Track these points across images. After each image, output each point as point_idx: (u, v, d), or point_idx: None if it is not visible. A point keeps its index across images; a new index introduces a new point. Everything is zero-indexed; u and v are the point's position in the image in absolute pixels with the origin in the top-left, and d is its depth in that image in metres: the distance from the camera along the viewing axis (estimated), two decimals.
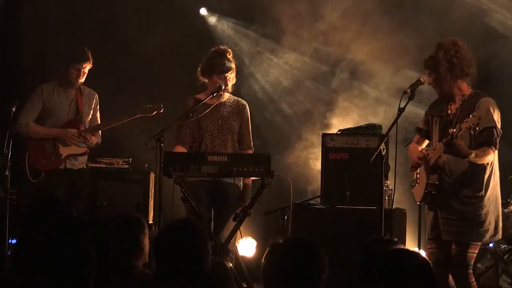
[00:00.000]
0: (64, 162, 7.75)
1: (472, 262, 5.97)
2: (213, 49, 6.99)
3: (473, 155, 5.73)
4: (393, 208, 7.03)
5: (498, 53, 8.27)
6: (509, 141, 7.10)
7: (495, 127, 5.86)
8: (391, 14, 8.61)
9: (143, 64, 9.21)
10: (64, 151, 7.74)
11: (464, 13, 8.42)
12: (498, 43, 8.35)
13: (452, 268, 5.96)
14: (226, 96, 6.90)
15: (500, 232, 6.07)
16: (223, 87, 6.69)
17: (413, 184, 6.30)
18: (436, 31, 8.09)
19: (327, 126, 8.84)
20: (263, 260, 3.57)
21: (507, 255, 7.49)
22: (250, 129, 6.92)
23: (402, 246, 4.08)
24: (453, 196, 5.96)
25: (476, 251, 5.96)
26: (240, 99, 7.02)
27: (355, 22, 8.86)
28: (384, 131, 7.07)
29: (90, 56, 7.74)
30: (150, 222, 7.97)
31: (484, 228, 5.91)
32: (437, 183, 6.00)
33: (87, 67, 7.75)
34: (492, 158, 5.90)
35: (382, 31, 8.67)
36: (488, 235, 5.95)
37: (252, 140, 6.97)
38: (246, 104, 6.96)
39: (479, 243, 5.97)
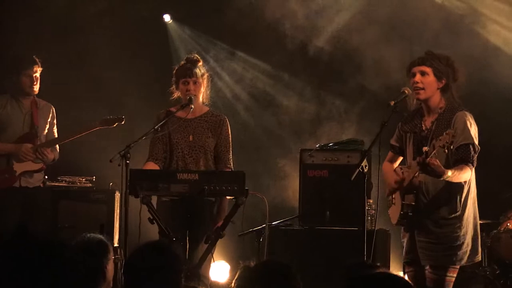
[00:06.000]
0: (19, 179, 7.73)
1: (450, 287, 5.96)
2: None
3: (449, 173, 5.70)
4: (376, 229, 6.91)
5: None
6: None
7: (473, 143, 5.85)
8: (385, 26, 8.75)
9: (106, 74, 9.26)
10: (18, 167, 7.73)
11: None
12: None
13: None
14: (204, 110, 6.81)
15: (480, 254, 6.08)
16: (194, 99, 6.60)
17: (389, 204, 6.26)
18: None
19: (306, 140, 8.88)
20: (232, 285, 3.59)
21: (497, 279, 7.52)
22: (230, 147, 6.80)
23: (385, 270, 4.09)
24: (430, 217, 5.95)
25: (455, 275, 5.95)
26: (220, 114, 6.92)
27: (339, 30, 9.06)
28: (366, 147, 7.08)
29: (37, 59, 7.80)
30: (116, 245, 7.94)
31: (463, 250, 5.92)
32: (413, 203, 5.97)
33: (38, 71, 7.80)
34: (469, 176, 5.88)
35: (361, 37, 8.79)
36: (466, 258, 5.95)
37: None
38: (226, 120, 6.82)
39: (458, 267, 5.96)
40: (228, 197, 6.40)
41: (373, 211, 7.14)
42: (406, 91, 6.05)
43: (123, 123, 7.74)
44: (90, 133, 7.84)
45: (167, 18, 9.83)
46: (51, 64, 8.12)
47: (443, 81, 6.00)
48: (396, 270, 7.34)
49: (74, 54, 9.40)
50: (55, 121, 8.03)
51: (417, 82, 5.98)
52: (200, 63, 6.82)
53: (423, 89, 5.99)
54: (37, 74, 7.79)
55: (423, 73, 5.99)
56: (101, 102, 9.16)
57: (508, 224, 7.92)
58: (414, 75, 6.03)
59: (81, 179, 8.50)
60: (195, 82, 6.69)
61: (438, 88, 6.01)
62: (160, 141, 6.69)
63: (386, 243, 7.43)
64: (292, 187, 8.54)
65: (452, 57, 6.11)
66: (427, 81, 5.99)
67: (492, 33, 8.69)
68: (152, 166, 6.65)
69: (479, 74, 8.09)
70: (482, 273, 7.56)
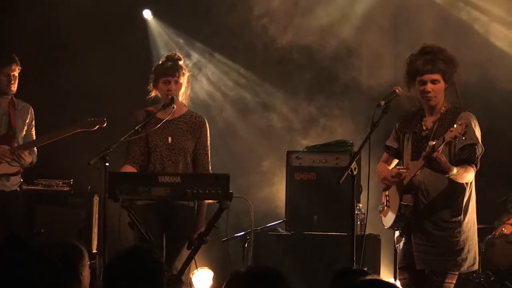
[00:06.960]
0: None
1: None
2: None
3: (454, 171, 5.64)
4: (366, 234, 6.81)
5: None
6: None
7: (477, 144, 5.81)
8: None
9: (85, 74, 9.21)
10: None
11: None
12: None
13: None
14: (183, 111, 6.75)
15: (477, 262, 6.05)
16: (175, 99, 6.54)
17: (381, 207, 6.20)
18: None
19: (293, 142, 8.91)
20: None
21: (491, 286, 7.49)
22: (208, 150, 6.77)
23: (375, 277, 4.01)
24: (429, 219, 5.87)
25: (454, 282, 5.88)
26: (200, 115, 6.87)
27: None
28: (355, 148, 7.06)
29: (16, 58, 7.71)
30: (94, 251, 7.89)
31: (463, 256, 5.85)
32: (411, 204, 5.91)
33: (17, 70, 7.71)
34: (472, 177, 5.83)
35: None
36: (466, 265, 5.89)
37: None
38: (205, 122, 6.79)
39: (457, 273, 5.90)
40: (211, 201, 6.35)
41: (363, 216, 7.09)
42: (397, 91, 5.94)
43: (104, 125, 7.64)
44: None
45: (147, 14, 9.80)
46: (30, 63, 8.06)
47: (449, 81, 5.96)
48: (387, 276, 7.25)
49: (53, 53, 9.39)
50: (33, 122, 7.94)
51: (429, 92, 5.92)
52: (182, 62, 6.77)
53: (435, 96, 5.94)
54: (16, 73, 7.70)
55: (434, 81, 5.92)
56: (81, 103, 9.16)
57: (503, 229, 7.91)
58: (424, 83, 5.94)
59: (58, 182, 8.45)
60: (176, 82, 6.65)
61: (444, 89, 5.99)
62: (137, 143, 6.64)
63: (376, 249, 7.42)
64: (279, 190, 8.56)
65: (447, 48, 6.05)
66: (438, 88, 5.93)
67: (496, 35, 8.67)
68: (129, 170, 6.62)
69: (482, 77, 8.09)
70: (476, 279, 7.56)
